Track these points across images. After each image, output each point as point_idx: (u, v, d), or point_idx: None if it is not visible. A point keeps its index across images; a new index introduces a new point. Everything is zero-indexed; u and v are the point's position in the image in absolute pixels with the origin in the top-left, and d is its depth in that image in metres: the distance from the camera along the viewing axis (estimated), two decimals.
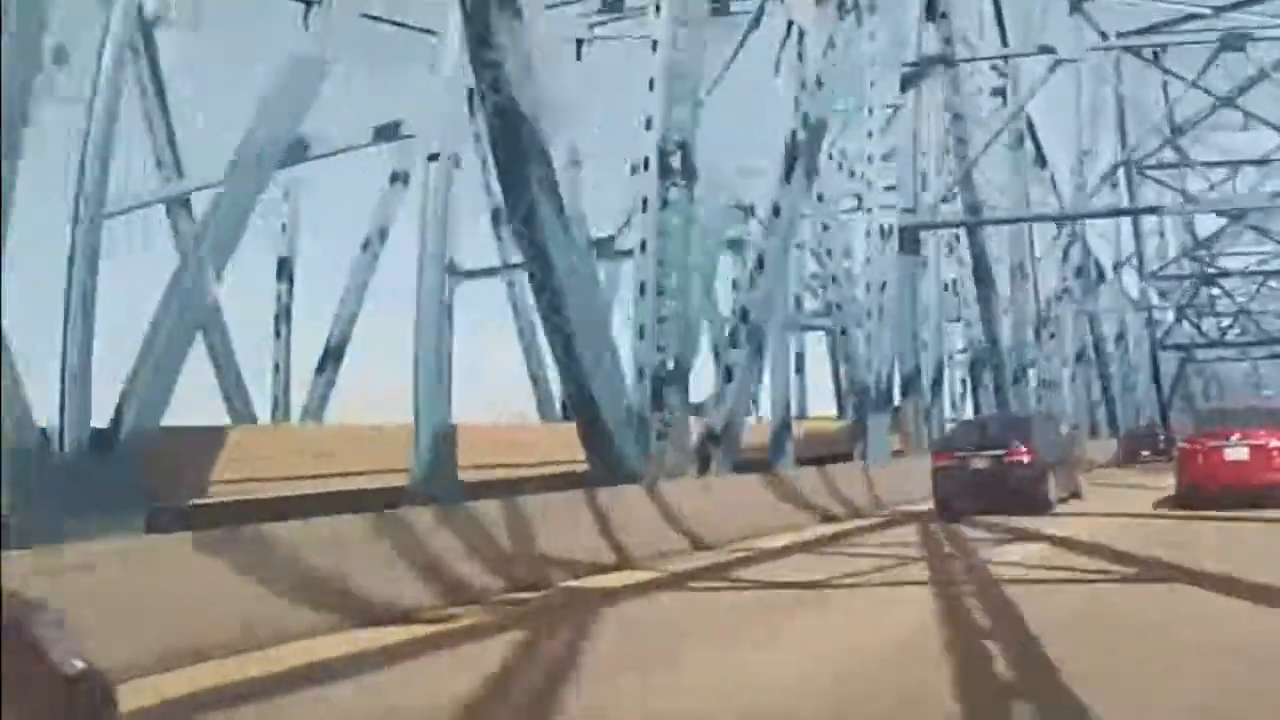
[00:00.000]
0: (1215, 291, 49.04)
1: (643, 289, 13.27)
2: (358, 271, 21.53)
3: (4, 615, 3.00)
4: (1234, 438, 14.92)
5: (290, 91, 11.92)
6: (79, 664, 3.09)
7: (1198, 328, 48.97)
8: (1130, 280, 46.43)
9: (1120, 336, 45.74)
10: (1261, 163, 38.65)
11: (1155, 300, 47.76)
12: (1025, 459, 14.69)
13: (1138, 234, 45.04)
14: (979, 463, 14.80)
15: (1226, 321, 50.61)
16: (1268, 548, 10.77)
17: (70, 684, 3.02)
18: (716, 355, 19.36)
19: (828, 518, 14.62)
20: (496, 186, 16.60)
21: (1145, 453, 32.54)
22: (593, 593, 8.67)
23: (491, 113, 10.85)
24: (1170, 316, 49.57)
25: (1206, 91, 30.36)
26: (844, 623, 7.26)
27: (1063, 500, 15.52)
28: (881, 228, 21.63)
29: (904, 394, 22.68)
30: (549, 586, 8.80)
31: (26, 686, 2.96)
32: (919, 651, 5.95)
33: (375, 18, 18.65)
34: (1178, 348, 49.40)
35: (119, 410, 10.33)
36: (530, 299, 15.80)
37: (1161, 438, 34.00)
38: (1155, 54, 29.56)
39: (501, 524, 8.92)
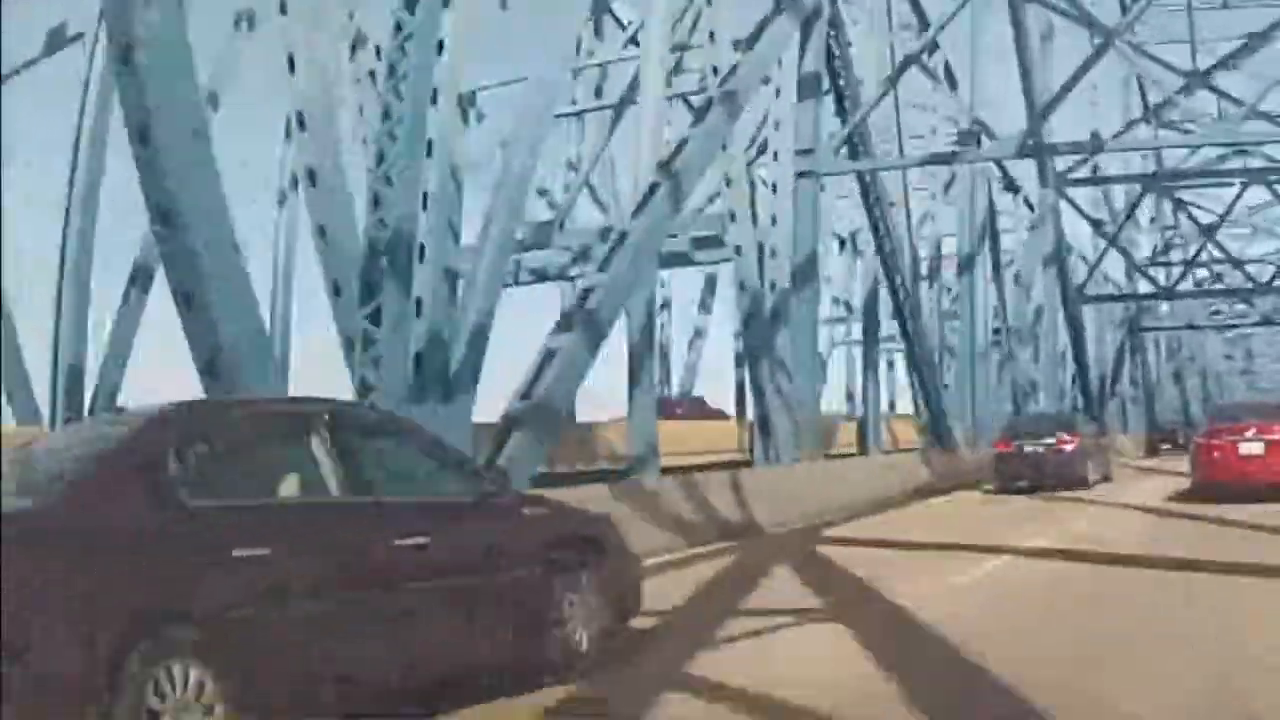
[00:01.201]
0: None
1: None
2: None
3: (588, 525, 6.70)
4: (1249, 433, 15.09)
5: None
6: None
7: (1151, 279, 38.95)
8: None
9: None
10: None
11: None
12: (1069, 447, 18.57)
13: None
14: (1032, 449, 18.65)
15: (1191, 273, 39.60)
16: None
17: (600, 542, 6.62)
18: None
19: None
20: None
21: (1166, 446, 36.99)
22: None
23: None
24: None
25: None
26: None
27: (1097, 481, 19.33)
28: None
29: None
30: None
31: (618, 557, 6.69)
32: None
33: None
34: (1115, 299, 39.99)
35: None
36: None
37: (1180, 434, 38.11)
38: None
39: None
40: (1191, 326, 46.59)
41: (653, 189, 13.74)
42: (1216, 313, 44.39)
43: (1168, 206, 40.91)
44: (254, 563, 4.52)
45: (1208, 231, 36.73)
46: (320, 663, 4.66)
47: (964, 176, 28.02)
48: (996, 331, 30.54)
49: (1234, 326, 49.69)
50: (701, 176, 15.76)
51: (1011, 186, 32.30)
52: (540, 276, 24.60)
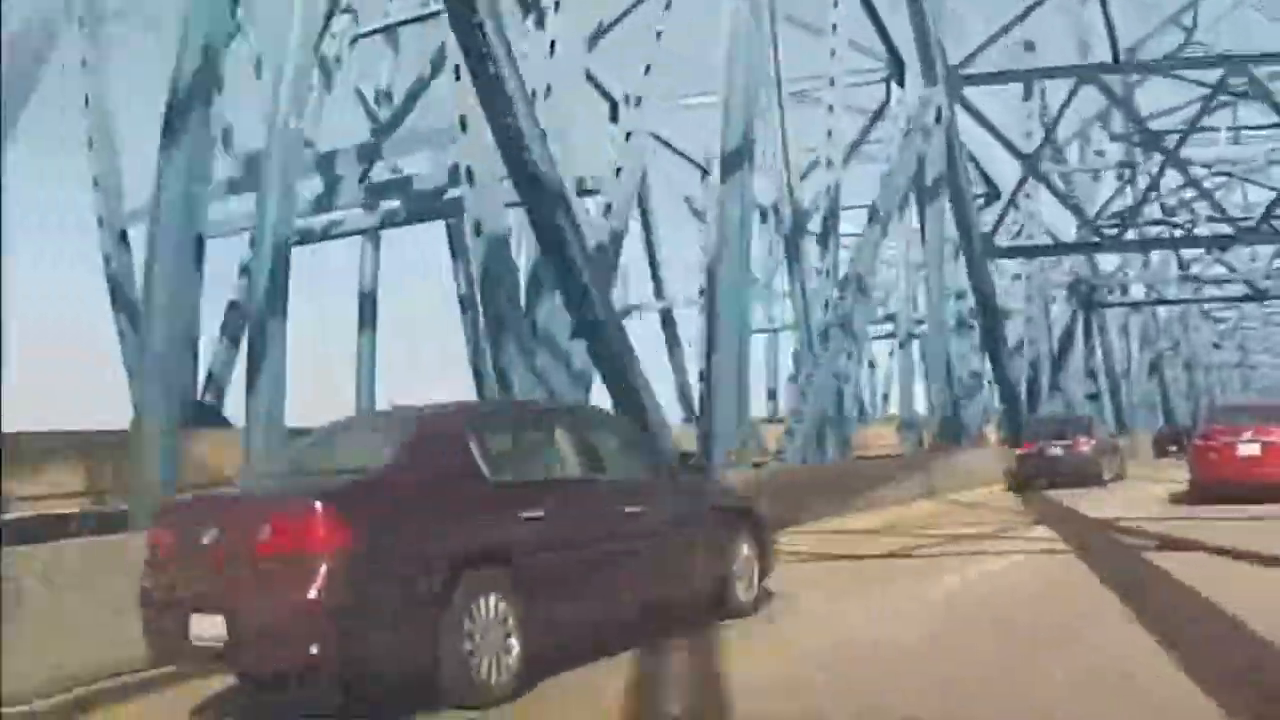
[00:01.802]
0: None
1: None
2: None
3: (744, 500, 8.35)
4: (1246, 434, 15.15)
5: None
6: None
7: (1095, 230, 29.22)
8: None
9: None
10: None
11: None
12: (1086, 448, 20.18)
13: None
14: (1052, 449, 20.25)
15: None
16: None
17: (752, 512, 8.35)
18: None
19: None
20: None
21: (1172, 448, 38.28)
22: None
23: None
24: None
25: None
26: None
27: (1111, 480, 20.89)
28: None
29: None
30: None
31: (763, 526, 8.29)
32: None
33: None
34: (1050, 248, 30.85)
35: None
36: None
37: (1185, 436, 39.74)
38: None
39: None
40: (1161, 301, 39.68)
41: None
42: (1190, 277, 36.16)
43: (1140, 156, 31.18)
44: (535, 522, 6.07)
45: (1171, 154, 27.59)
46: (578, 595, 6.21)
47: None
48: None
49: (1212, 302, 43.16)
50: None
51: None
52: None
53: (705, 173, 26.78)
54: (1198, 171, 29.73)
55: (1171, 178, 30.27)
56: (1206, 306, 49.25)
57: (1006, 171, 28.27)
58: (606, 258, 14.77)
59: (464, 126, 12.61)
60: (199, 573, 5.42)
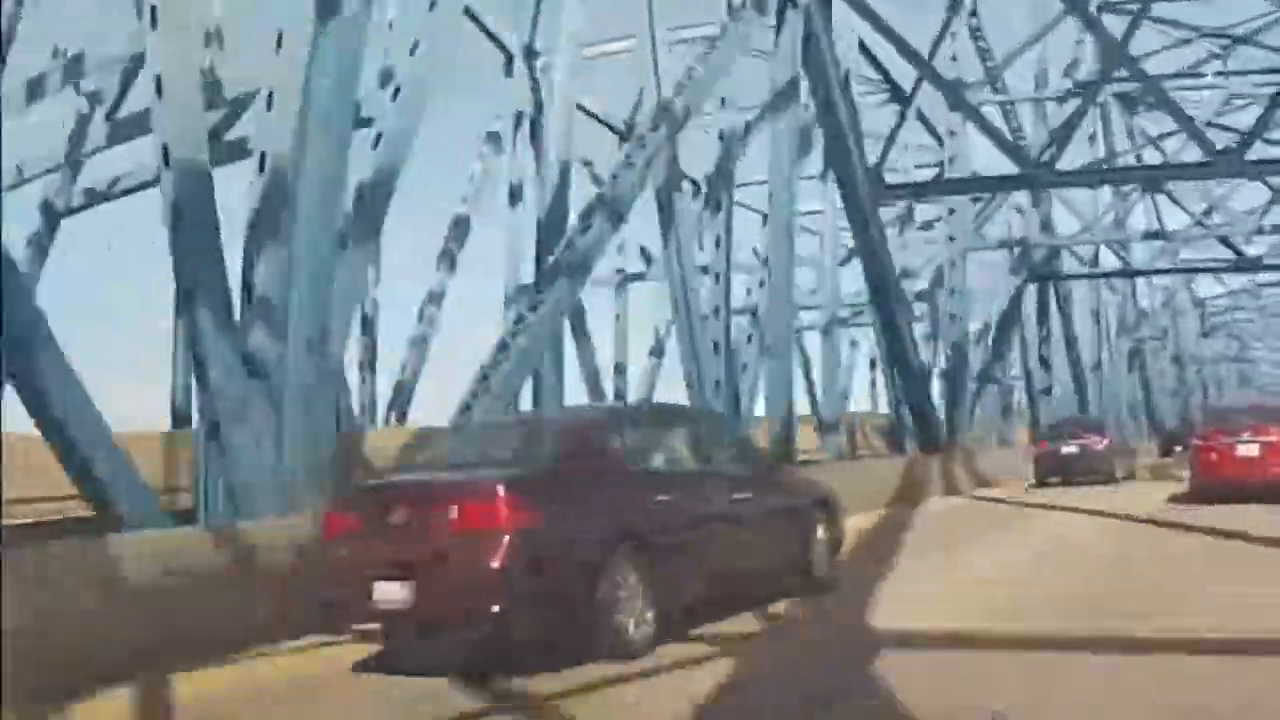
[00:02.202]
0: None
1: None
2: None
3: (821, 489, 9.42)
4: (1245, 435, 15.58)
5: None
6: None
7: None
8: None
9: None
10: None
11: None
12: (1100, 447, 21.22)
13: None
14: (1067, 449, 21.27)
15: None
16: None
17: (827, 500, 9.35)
18: None
19: None
20: None
21: (1177, 448, 39.44)
22: None
23: None
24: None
25: None
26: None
27: (1122, 478, 21.92)
28: None
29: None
30: None
31: (836, 511, 9.31)
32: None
33: None
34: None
35: None
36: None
37: (1187, 439, 40.98)
38: None
39: None
40: (1128, 273, 33.79)
41: None
42: (1155, 235, 29.65)
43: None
44: (665, 505, 7.06)
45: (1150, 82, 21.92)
46: (696, 566, 7.20)
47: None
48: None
49: (1193, 272, 37.42)
50: None
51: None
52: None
53: (622, 136, 22.16)
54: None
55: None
56: (1197, 292, 48.79)
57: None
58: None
59: None
60: (385, 547, 6.36)
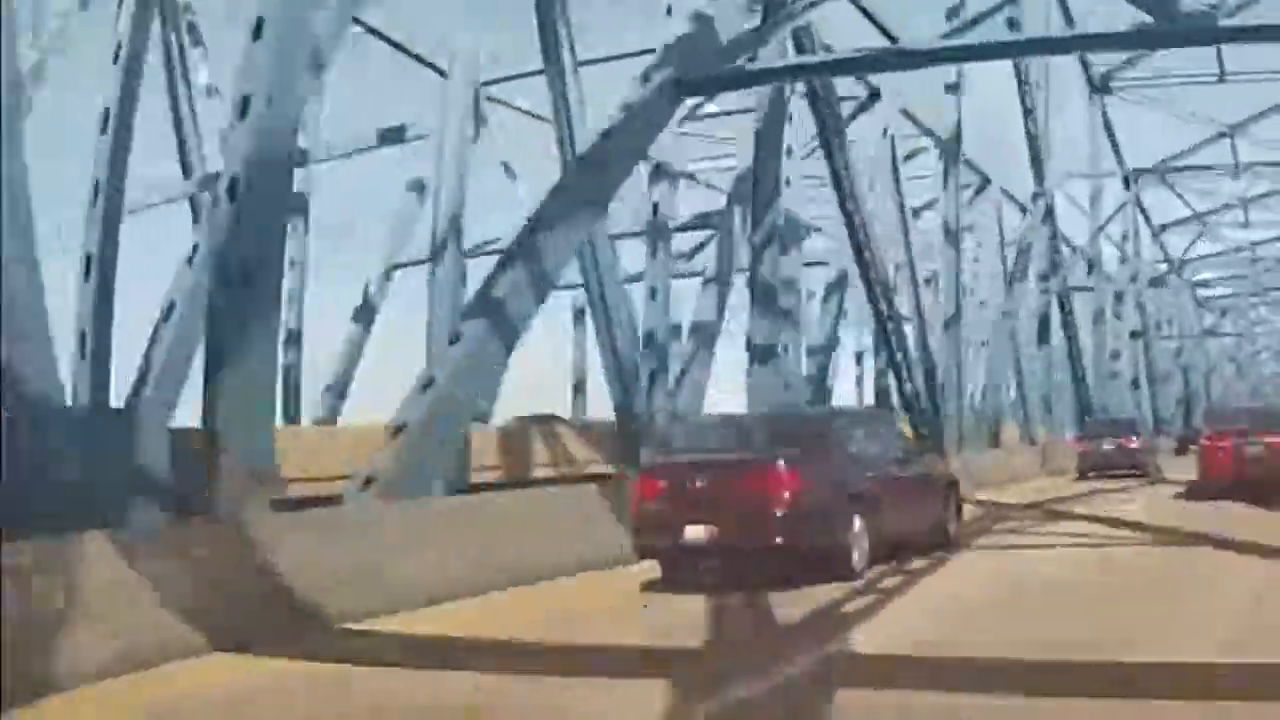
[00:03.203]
0: None
1: None
2: None
3: (951, 472, 12.75)
4: (1251, 436, 16.53)
5: None
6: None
7: None
8: None
9: None
10: None
11: None
12: (1135, 444, 24.53)
13: None
14: (1106, 446, 24.56)
15: None
16: None
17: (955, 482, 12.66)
18: None
19: None
20: None
21: (1192, 446, 42.81)
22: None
23: None
24: None
25: None
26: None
27: (1154, 472, 25.18)
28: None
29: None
30: None
31: (959, 490, 12.61)
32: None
33: None
34: None
35: None
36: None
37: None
38: None
39: None
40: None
41: None
42: None
43: None
44: (870, 478, 10.34)
45: None
46: (888, 522, 10.40)
47: None
48: None
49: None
50: None
51: None
52: None
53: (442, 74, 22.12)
54: None
55: None
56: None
57: None
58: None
59: None
60: (690, 502, 9.59)
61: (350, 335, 24.61)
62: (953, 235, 26.61)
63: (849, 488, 9.97)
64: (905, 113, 25.10)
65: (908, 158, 26.54)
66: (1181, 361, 53.17)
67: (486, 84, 23.02)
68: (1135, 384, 44.48)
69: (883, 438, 11.31)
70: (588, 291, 17.83)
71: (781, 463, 9.49)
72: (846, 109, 21.82)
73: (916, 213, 27.65)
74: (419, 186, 24.23)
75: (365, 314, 24.84)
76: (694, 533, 9.51)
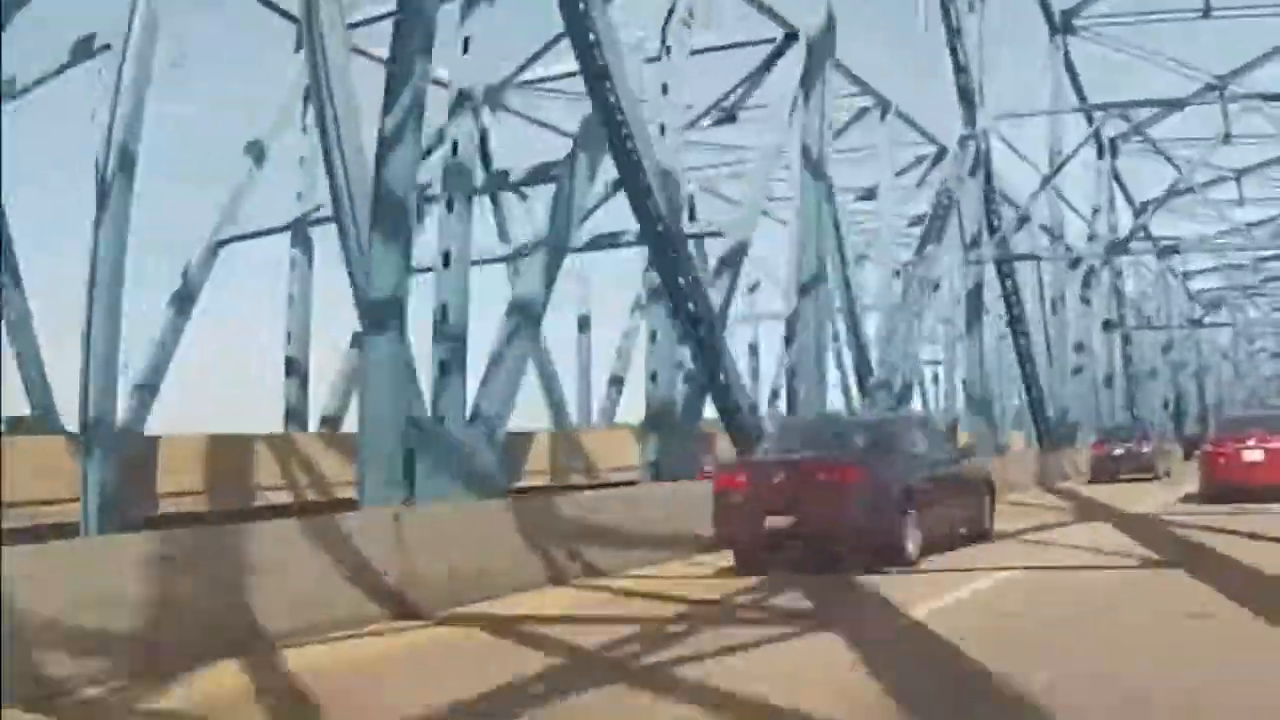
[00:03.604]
0: None
1: None
2: None
3: (987, 470, 14.40)
4: (1251, 442, 17.14)
5: None
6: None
7: None
8: None
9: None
10: None
11: None
12: (1146, 448, 26.13)
13: None
14: (1117, 450, 26.15)
15: None
16: None
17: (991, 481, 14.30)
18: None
19: None
20: None
21: (1197, 450, 44.33)
22: None
23: None
24: None
25: None
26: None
27: (1164, 474, 26.72)
28: None
29: None
30: None
31: (994, 488, 14.28)
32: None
33: None
34: None
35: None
36: None
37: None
38: None
39: None
40: None
41: None
42: None
43: None
44: (923, 476, 11.94)
45: None
46: (938, 515, 12.01)
47: None
48: None
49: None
50: None
51: None
52: None
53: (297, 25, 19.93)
54: None
55: None
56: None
57: None
58: None
59: None
60: (771, 495, 11.17)
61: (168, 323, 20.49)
62: (814, 164, 19.79)
63: (906, 485, 11.56)
64: None
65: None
66: (1171, 358, 49.17)
67: None
68: (1109, 382, 38.84)
69: (932, 441, 12.90)
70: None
71: (851, 461, 11.09)
72: None
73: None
74: (256, 150, 21.59)
75: (183, 299, 20.79)
76: (774, 522, 11.10)
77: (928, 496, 11.83)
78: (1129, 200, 37.29)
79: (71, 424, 15.69)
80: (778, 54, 20.40)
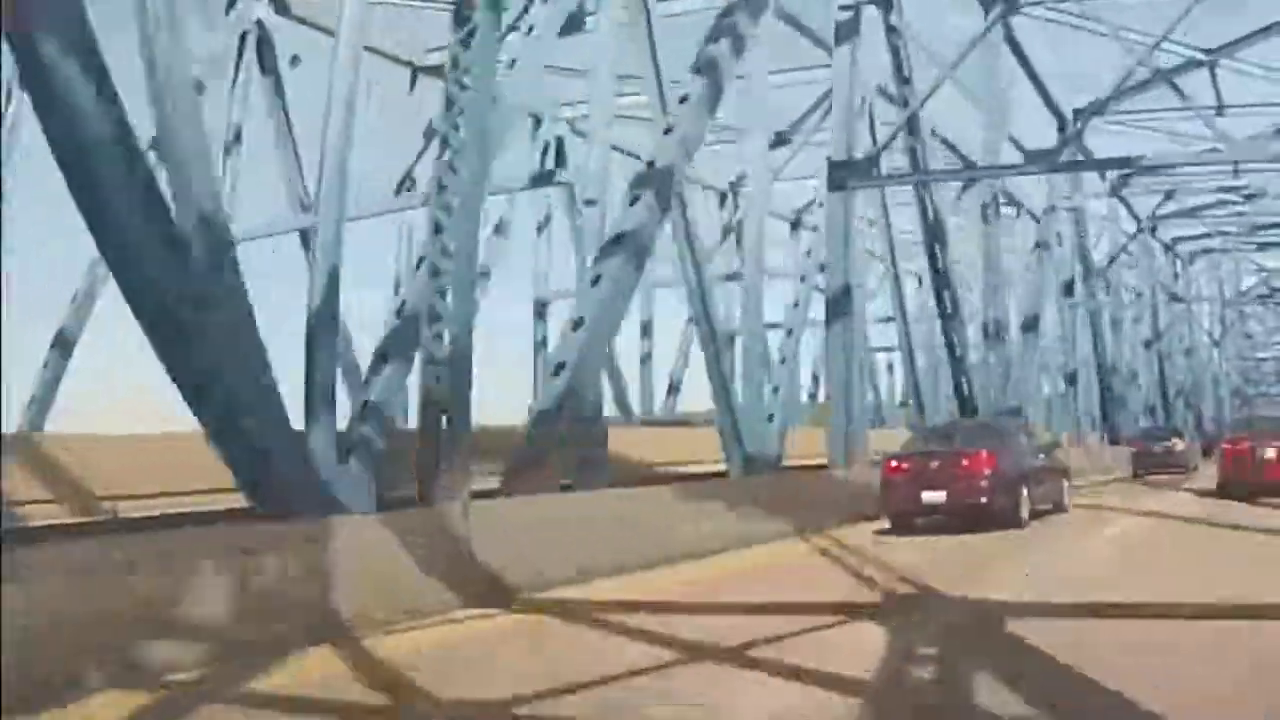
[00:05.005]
0: None
1: None
2: None
3: (1064, 460, 19.50)
4: (1267, 440, 18.47)
5: None
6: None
7: None
8: None
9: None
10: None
11: None
12: (1180, 447, 31.23)
13: None
14: (1156, 447, 31.20)
15: None
16: None
17: (1068, 469, 19.40)
18: None
19: None
20: None
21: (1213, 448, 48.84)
22: None
23: None
24: None
25: None
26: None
27: (1194, 469, 31.55)
28: None
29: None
30: None
31: (1069, 475, 19.38)
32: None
33: None
34: None
35: None
36: None
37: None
38: None
39: None
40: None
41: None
42: None
43: None
44: (1033, 465, 17.15)
45: None
46: (1038, 492, 17.07)
47: None
48: None
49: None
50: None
51: None
52: None
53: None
54: None
55: None
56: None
57: None
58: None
59: None
60: (927, 476, 16.16)
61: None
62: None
63: (1023, 468, 16.64)
64: None
65: None
66: (1161, 348, 45.67)
67: None
68: (1072, 379, 36.50)
69: (1032, 437, 17.99)
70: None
71: (985, 453, 16.18)
72: None
73: None
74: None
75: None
76: (930, 496, 16.12)
77: (1033, 479, 16.84)
78: (1053, 111, 29.34)
79: None
80: None
